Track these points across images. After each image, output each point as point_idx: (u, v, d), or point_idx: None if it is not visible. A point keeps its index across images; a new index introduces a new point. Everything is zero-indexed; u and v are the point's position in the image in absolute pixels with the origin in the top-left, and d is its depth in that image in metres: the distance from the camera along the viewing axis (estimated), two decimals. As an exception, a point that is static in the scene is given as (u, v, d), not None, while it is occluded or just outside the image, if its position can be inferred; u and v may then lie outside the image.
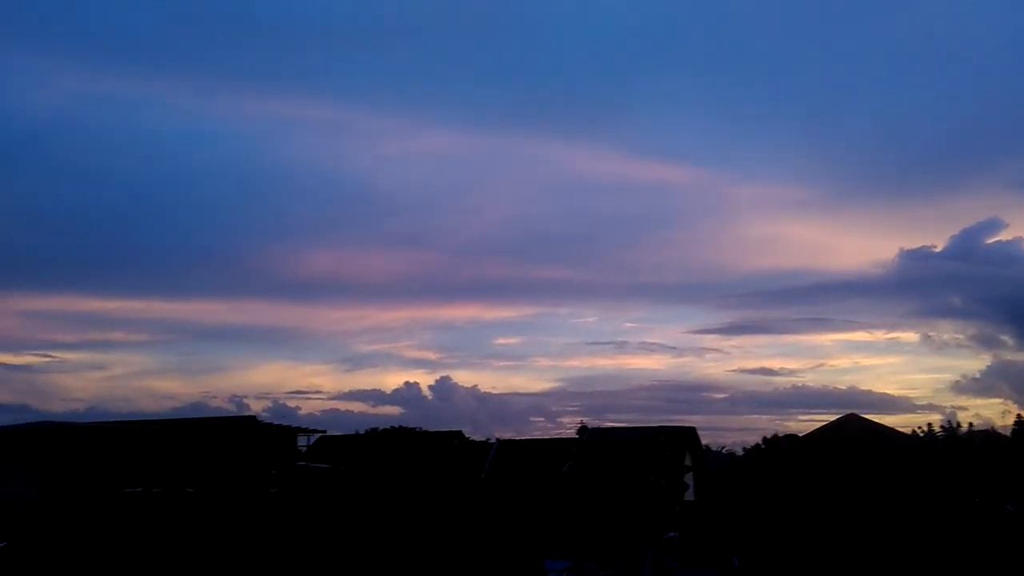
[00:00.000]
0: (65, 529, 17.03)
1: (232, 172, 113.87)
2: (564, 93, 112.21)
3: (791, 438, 49.12)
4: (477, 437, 54.17)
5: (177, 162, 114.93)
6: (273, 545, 18.34)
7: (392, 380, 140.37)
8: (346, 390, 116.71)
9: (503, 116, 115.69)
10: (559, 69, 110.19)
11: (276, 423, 41.71)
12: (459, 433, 55.22)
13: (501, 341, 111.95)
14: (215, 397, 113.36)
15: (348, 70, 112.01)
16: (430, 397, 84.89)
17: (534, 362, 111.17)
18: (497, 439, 48.83)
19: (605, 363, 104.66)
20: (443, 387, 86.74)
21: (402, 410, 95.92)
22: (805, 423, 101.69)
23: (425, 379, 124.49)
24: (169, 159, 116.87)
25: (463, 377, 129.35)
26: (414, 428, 50.38)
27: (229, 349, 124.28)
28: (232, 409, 71.23)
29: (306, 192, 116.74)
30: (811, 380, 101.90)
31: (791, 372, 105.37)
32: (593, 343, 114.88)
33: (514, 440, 48.54)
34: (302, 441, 44.33)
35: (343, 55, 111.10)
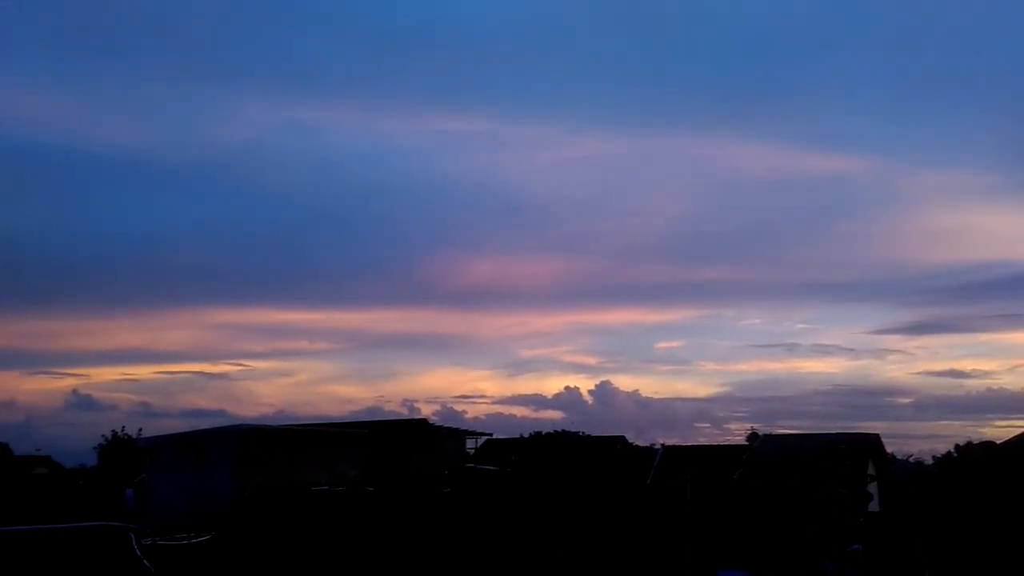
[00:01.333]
0: (261, 523, 18.32)
1: (399, 187, 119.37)
2: (723, 86, 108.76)
3: (987, 445, 45.03)
4: (640, 442, 53.59)
5: (351, 181, 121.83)
6: (449, 543, 18.92)
7: (553, 385, 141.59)
8: (509, 395, 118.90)
9: (660, 115, 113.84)
10: (717, 62, 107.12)
11: (446, 426, 43.26)
12: (622, 438, 54.83)
13: (663, 345, 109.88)
14: (389, 401, 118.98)
15: (502, 81, 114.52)
16: (591, 402, 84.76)
17: (698, 366, 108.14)
18: (662, 445, 47.98)
19: (775, 367, 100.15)
20: (604, 392, 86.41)
21: (563, 414, 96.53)
22: (1002, 429, 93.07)
23: (585, 384, 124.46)
24: (344, 178, 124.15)
25: (624, 382, 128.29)
26: (576, 432, 50.52)
27: (401, 355, 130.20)
28: (405, 412, 74.47)
29: (468, 203, 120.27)
30: (1008, 382, 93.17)
31: (985, 374, 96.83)
32: (761, 345, 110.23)
33: (680, 446, 47.51)
34: (470, 444, 45.67)
35: (496, 67, 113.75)
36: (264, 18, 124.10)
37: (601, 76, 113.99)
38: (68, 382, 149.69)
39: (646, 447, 50.44)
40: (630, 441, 54.44)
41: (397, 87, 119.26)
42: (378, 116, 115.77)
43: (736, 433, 57.25)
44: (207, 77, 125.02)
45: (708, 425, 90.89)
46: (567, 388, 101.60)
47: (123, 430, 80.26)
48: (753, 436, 45.26)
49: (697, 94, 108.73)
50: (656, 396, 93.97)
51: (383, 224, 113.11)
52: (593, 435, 50.34)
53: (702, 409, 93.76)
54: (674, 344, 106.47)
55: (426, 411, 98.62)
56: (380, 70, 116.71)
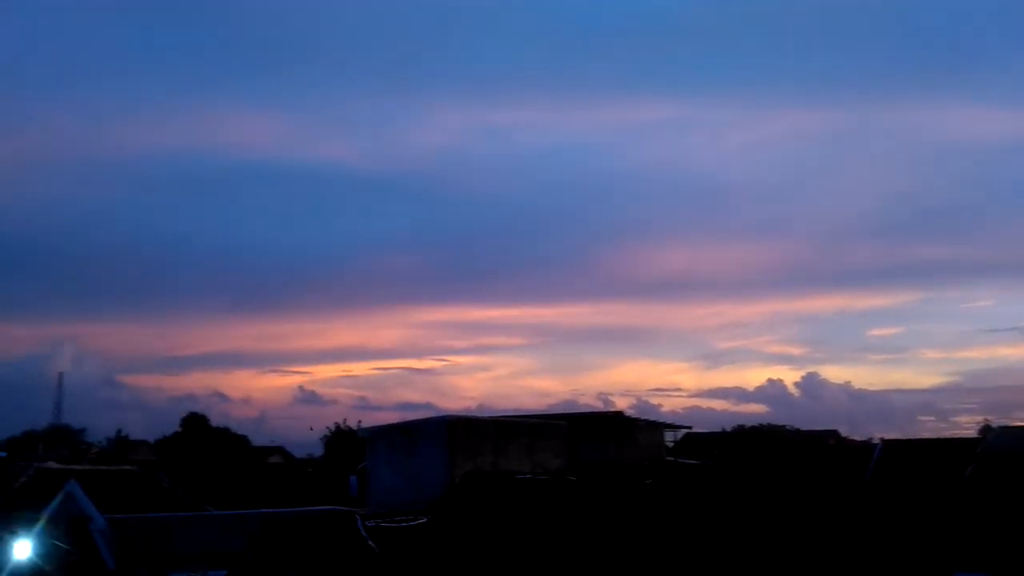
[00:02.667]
0: (472, 508, 19.08)
1: (589, 182, 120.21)
2: (935, 48, 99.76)
3: None
4: (855, 438, 50.50)
5: (542, 178, 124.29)
6: (651, 535, 18.79)
7: (754, 377, 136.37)
8: (707, 388, 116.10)
9: (860, 86, 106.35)
10: (922, 24, 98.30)
11: (642, 419, 42.98)
12: (834, 433, 51.90)
13: (876, 332, 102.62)
14: (583, 394, 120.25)
15: (688, 65, 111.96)
16: (797, 394, 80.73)
17: (918, 354, 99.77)
18: (882, 439, 44.82)
19: (1009, 352, 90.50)
20: (811, 384, 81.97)
21: (767, 408, 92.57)
22: None
23: (790, 375, 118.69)
24: (535, 176, 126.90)
25: (833, 373, 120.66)
26: (783, 426, 48.48)
27: (594, 349, 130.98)
28: (599, 406, 74.93)
29: (659, 192, 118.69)
30: None
31: None
32: (993, 330, 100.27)
33: (901, 440, 44.15)
34: (668, 437, 45.09)
35: (681, 52, 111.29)
36: (451, 24, 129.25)
37: (792, 51, 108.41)
38: (295, 379, 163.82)
39: (862, 442, 47.40)
40: (843, 436, 51.42)
41: (581, 82, 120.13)
42: (565, 112, 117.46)
43: (965, 427, 52.44)
44: (401, 88, 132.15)
45: (932, 418, 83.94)
46: (770, 380, 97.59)
47: (344, 422, 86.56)
48: (987, 429, 41.20)
49: (903, 58, 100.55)
50: (871, 388, 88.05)
51: (574, 219, 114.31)
52: (802, 429, 48.02)
53: (925, 401, 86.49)
54: (889, 331, 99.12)
55: (621, 404, 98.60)
56: (564, 66, 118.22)
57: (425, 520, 19.26)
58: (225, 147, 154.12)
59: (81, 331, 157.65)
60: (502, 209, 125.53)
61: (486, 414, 47.30)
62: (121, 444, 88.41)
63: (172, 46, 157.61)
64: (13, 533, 22.37)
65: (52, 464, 33.18)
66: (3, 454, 53.24)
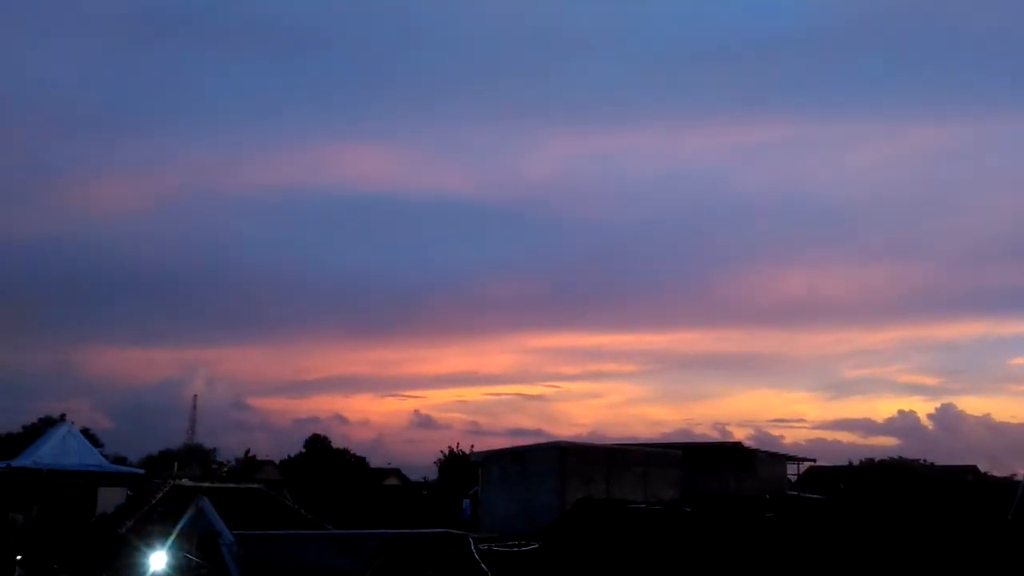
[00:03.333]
0: (584, 535, 18.85)
1: (704, 205, 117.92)
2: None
3: None
4: (995, 473, 47.02)
5: (654, 203, 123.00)
6: (770, 573, 18.00)
7: (884, 408, 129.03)
8: (832, 419, 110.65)
9: (990, 98, 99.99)
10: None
11: (763, 450, 41.42)
12: (972, 468, 48.50)
13: (1018, 360, 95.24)
14: (699, 424, 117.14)
15: (807, 83, 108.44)
16: (931, 427, 75.92)
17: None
18: (1026, 476, 41.61)
19: None
20: (946, 415, 76.93)
21: (898, 441, 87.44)
22: None
23: (923, 407, 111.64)
24: (647, 201, 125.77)
25: (971, 404, 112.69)
26: (916, 461, 45.71)
27: (710, 377, 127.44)
28: (715, 436, 72.73)
29: (775, 214, 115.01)
30: None
31: None
32: None
33: (1050, 477, 40.81)
34: (791, 469, 43.21)
35: (799, 69, 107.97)
36: (562, 53, 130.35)
37: (914, 66, 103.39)
38: (411, 404, 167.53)
39: (1003, 479, 44.06)
40: (982, 472, 47.94)
41: (694, 105, 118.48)
42: (678, 137, 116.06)
43: None
44: (513, 118, 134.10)
45: (1087, 454, 76.69)
46: (901, 412, 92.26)
47: (457, 446, 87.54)
48: None
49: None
50: (1013, 420, 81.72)
51: (689, 244, 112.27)
52: (937, 464, 45.08)
53: (1074, 436, 79.49)
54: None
55: (739, 435, 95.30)
56: (676, 90, 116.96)
57: (537, 545, 19.18)
58: (347, 181, 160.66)
59: (213, 356, 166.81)
60: (615, 235, 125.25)
61: (598, 442, 46.85)
62: (249, 463, 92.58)
63: (299, 86, 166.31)
64: (150, 545, 23.76)
65: (186, 481, 35.13)
66: (141, 471, 56.68)
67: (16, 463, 41.51)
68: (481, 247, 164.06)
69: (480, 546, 18.45)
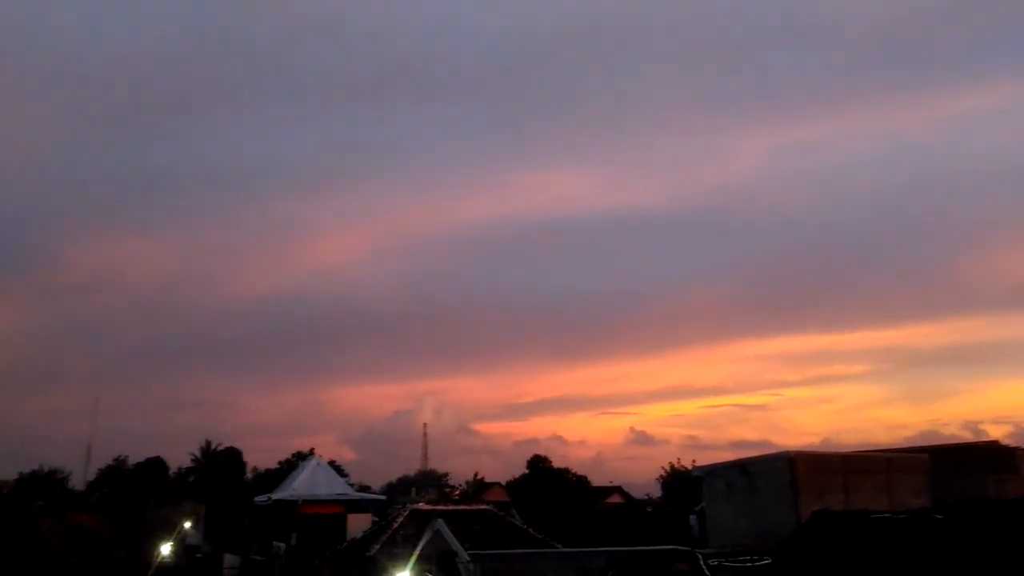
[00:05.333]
0: (822, 549, 17.81)
1: (925, 185, 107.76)
2: None
3: None
4: None
5: (866, 189, 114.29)
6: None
7: None
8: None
9: None
10: None
11: (1027, 449, 37.00)
12: None
13: None
14: (946, 424, 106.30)
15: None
16: None
17: None
18: None
19: None
20: None
21: None
22: None
23: None
24: (857, 188, 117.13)
25: None
26: None
27: (953, 372, 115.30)
28: (968, 436, 65.87)
29: (1014, 186, 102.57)
30: None
31: None
32: None
33: None
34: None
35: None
36: (742, 47, 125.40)
37: None
38: (626, 420, 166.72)
39: None
40: None
41: (904, 73, 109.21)
42: (885, 113, 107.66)
43: None
44: (699, 122, 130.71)
45: None
46: None
47: (678, 461, 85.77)
48: None
49: None
50: None
51: (915, 226, 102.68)
52: None
53: None
54: None
55: (995, 433, 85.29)
56: (877, 62, 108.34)
57: (770, 560, 18.38)
58: (546, 206, 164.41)
59: (438, 387, 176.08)
60: (823, 228, 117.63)
61: (831, 450, 44.06)
62: (478, 485, 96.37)
63: (491, 123, 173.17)
64: (396, 566, 25.39)
65: (422, 505, 37.21)
66: (383, 497, 60.81)
67: (276, 496, 46.06)
68: (684, 257, 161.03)
69: (710, 562, 18.01)
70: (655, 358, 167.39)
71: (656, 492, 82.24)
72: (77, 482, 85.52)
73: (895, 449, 36.72)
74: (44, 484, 74.71)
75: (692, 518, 36.14)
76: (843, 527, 19.54)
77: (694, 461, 56.50)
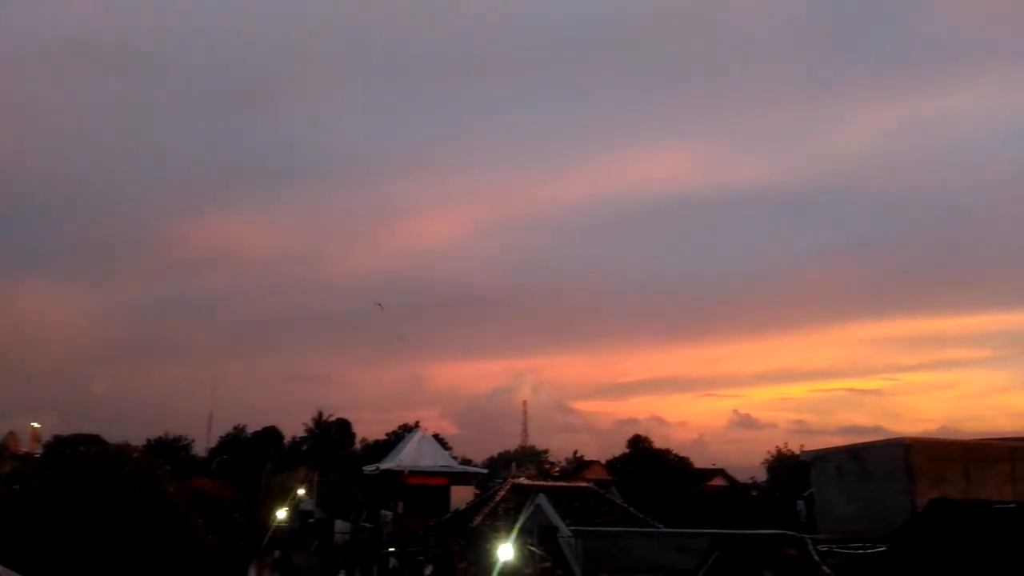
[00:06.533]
0: (939, 539, 17.03)
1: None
2: None
3: None
4: None
5: (994, 162, 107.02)
6: None
7: None
8: None
9: None
10: None
11: None
12: None
13: None
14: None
15: None
16: None
17: None
18: None
19: None
20: None
21: None
22: None
23: None
24: (986, 161, 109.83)
25: None
26: None
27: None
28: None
29: None
30: None
31: None
32: None
33: None
34: None
35: None
36: (859, 19, 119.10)
37: None
38: (729, 403, 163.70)
39: None
40: None
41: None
42: (1018, 90, 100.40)
43: None
44: (811, 94, 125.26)
45: None
46: None
47: (785, 446, 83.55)
48: None
49: None
50: None
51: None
52: None
53: None
54: None
55: None
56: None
57: (884, 548, 17.72)
58: (647, 183, 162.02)
59: (538, 364, 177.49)
60: (944, 205, 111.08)
61: (950, 437, 41.99)
62: (577, 463, 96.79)
63: (591, 99, 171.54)
64: (497, 537, 25.88)
65: (523, 480, 37.68)
66: (485, 471, 61.96)
67: (383, 466, 47.62)
68: (794, 236, 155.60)
69: (820, 547, 17.55)
70: (761, 339, 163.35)
71: (761, 476, 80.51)
72: (199, 449, 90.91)
73: (1020, 438, 34.61)
74: (169, 450, 79.78)
75: (800, 503, 35.19)
76: (963, 517, 18.63)
77: (802, 446, 54.94)
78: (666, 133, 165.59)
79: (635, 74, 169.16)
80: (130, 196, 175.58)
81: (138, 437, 75.37)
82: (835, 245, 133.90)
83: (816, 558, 16.46)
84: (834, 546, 17.82)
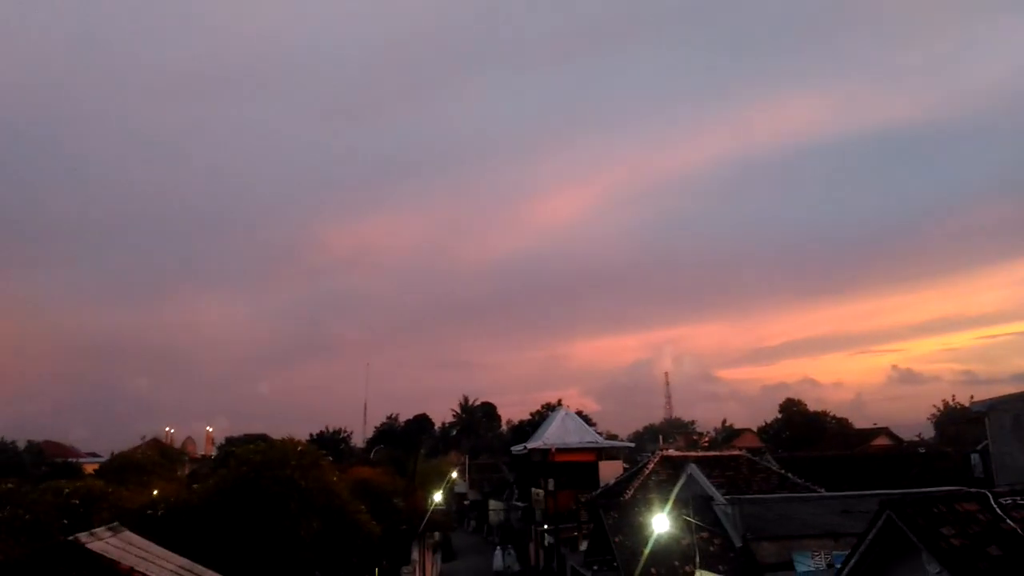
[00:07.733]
0: None
1: None
2: None
3: None
4: None
5: None
6: None
7: None
8: None
9: None
10: None
11: None
12: None
13: None
14: None
15: None
16: None
17: None
18: None
19: None
20: None
21: None
22: None
23: None
24: None
25: None
26: None
27: None
28: None
29: None
30: None
31: None
32: None
33: None
34: None
35: None
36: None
37: None
38: (887, 359, 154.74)
39: None
40: None
41: None
42: None
43: None
44: (955, 14, 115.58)
45: None
46: None
47: (953, 399, 78.41)
48: None
49: None
50: None
51: None
52: None
53: None
54: None
55: None
56: None
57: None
58: (780, 134, 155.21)
59: (676, 335, 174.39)
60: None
61: None
62: (727, 432, 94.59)
63: (711, 57, 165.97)
64: (650, 510, 25.62)
65: (672, 451, 37.13)
66: (631, 444, 61.57)
67: (530, 445, 48.17)
68: (948, 172, 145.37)
69: (1003, 500, 16.26)
70: (916, 289, 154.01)
71: (928, 433, 75.87)
72: (357, 439, 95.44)
73: None
74: (330, 442, 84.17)
75: (974, 457, 32.87)
76: None
77: (972, 397, 51.26)
78: (796, 79, 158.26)
79: (755, 22, 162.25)
80: (271, 209, 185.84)
81: (301, 432, 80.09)
82: (1000, 179, 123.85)
83: (999, 512, 15.27)
84: (1018, 498, 16.49)
